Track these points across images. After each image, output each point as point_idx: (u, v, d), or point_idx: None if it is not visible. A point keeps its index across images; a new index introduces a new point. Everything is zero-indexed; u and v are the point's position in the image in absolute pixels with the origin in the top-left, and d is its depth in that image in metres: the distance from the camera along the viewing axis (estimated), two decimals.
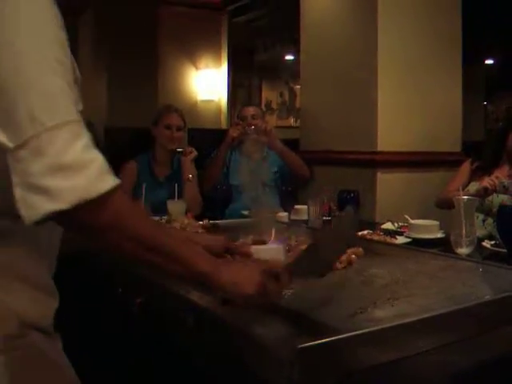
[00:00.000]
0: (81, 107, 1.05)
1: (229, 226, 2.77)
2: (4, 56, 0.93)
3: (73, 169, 0.92)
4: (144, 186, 2.90)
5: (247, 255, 1.54)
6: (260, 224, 2.70)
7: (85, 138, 0.96)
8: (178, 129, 3.53)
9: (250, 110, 3.92)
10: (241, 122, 3.83)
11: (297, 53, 6.64)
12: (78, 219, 0.96)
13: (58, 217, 0.93)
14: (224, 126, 7.01)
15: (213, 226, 2.66)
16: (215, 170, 3.72)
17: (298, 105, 8.38)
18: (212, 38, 7.15)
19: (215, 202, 3.64)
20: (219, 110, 7.11)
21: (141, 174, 3.49)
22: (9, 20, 0.94)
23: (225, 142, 3.76)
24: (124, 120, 5.29)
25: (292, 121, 8.31)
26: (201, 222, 2.67)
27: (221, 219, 3.02)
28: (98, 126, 5.71)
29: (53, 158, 0.91)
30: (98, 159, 0.96)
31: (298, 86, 8.24)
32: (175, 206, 2.93)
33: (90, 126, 1.06)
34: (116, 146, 3.81)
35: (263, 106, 7.57)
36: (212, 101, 7.06)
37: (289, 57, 7.92)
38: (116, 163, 3.32)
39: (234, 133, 3.75)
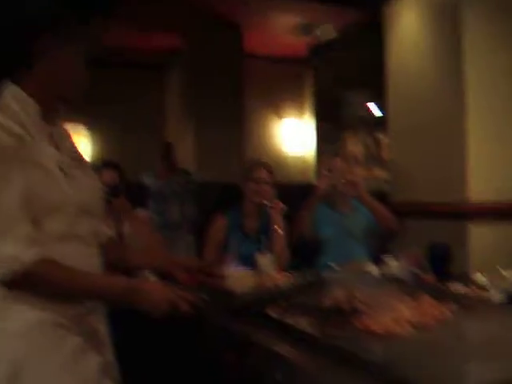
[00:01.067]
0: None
1: (316, 280, 2.76)
2: None
3: None
4: (234, 239, 2.94)
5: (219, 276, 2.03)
6: (349, 277, 2.69)
7: (7, 237, 1.40)
8: (267, 183, 3.56)
9: (338, 163, 3.92)
10: (329, 175, 3.82)
11: (382, 104, 6.65)
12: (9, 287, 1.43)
13: None
14: (311, 178, 7.04)
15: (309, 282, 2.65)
16: (303, 223, 3.71)
17: (383, 156, 8.32)
18: (298, 91, 7.26)
19: (303, 256, 3.63)
20: (306, 162, 7.15)
21: (230, 227, 3.52)
22: None
23: (313, 195, 3.76)
24: (212, 173, 5.39)
25: (378, 172, 8.22)
26: (290, 276, 2.67)
27: (310, 273, 3.00)
28: None
29: None
30: (10, 252, 1.40)
31: (384, 137, 8.25)
32: (264, 260, 2.95)
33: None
34: (206, 199, 3.87)
35: (349, 157, 7.53)
36: (299, 153, 7.12)
37: (374, 109, 7.89)
38: (206, 216, 3.41)
39: (322, 185, 3.75)
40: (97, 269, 1.65)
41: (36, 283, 1.45)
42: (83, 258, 1.58)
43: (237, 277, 2.51)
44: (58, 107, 1.66)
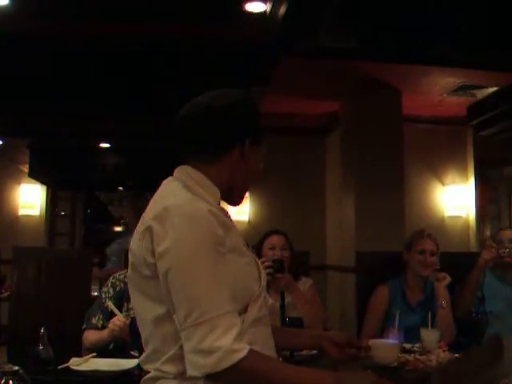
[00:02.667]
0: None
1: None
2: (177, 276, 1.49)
3: (206, 352, 1.43)
4: (398, 312, 2.88)
5: (365, 349, 2.08)
6: None
7: (218, 329, 1.44)
8: (432, 254, 3.48)
9: (508, 234, 3.75)
10: (494, 245, 3.67)
11: None
12: (214, 379, 1.45)
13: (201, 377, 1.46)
14: (472, 242, 6.78)
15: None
16: (468, 295, 3.57)
17: None
18: (457, 153, 7.08)
19: (469, 330, 3.48)
20: (467, 226, 6.91)
21: (392, 299, 3.46)
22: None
23: (477, 265, 3.60)
24: (373, 241, 5.33)
25: None
26: (457, 355, 2.56)
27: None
28: (348, 247, 5.85)
29: (195, 344, 1.44)
30: (224, 346, 1.43)
31: None
32: (429, 335, 2.85)
33: None
34: (367, 268, 3.83)
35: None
36: (460, 217, 6.91)
37: None
38: (368, 284, 3.38)
39: (487, 256, 3.59)
40: (274, 351, 1.72)
41: (246, 376, 1.47)
42: (267, 341, 1.66)
43: (381, 349, 2.45)
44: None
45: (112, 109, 5.46)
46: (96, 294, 4.80)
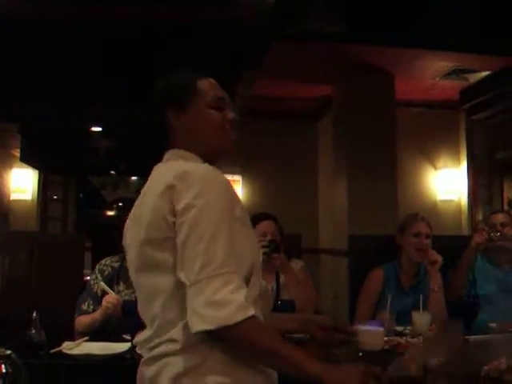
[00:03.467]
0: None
1: (478, 342, 2.64)
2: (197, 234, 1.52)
3: (220, 304, 1.45)
4: (390, 295, 2.89)
5: (352, 334, 2.06)
6: (507, 340, 2.55)
7: (232, 285, 1.48)
8: (427, 237, 3.49)
9: (500, 217, 3.76)
10: (486, 228, 3.68)
11: None
12: (222, 336, 1.47)
13: (208, 333, 1.46)
14: (464, 226, 6.80)
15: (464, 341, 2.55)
16: (460, 278, 3.58)
17: None
18: (450, 137, 7.08)
19: (461, 313, 3.49)
20: (459, 210, 6.92)
21: (387, 282, 3.48)
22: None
23: (469, 249, 3.62)
24: (366, 224, 5.34)
25: None
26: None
27: (465, 332, 2.87)
28: (341, 231, 5.85)
29: (208, 296, 1.46)
30: (238, 299, 1.47)
31: None
32: (420, 318, 2.88)
33: None
34: (360, 252, 3.84)
35: (505, 206, 7.22)
36: (452, 201, 6.92)
37: None
38: (361, 267, 3.40)
39: (478, 239, 3.60)
40: None
41: (251, 336, 1.50)
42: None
43: (366, 335, 2.46)
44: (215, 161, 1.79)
45: (103, 92, 5.43)
46: (88, 278, 4.81)
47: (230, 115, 1.80)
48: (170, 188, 1.56)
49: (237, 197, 1.69)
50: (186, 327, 1.52)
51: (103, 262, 3.39)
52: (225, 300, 1.45)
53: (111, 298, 3.08)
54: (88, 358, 2.61)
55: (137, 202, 1.74)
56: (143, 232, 1.61)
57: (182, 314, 1.53)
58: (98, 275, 3.31)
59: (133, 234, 1.69)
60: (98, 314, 3.12)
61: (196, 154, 1.75)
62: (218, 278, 1.46)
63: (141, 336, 1.69)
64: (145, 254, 1.62)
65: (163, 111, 1.77)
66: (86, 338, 2.91)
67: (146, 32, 4.66)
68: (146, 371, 1.63)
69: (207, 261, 1.48)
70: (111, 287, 3.21)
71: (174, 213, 1.54)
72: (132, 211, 1.75)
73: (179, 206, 1.53)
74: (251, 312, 1.48)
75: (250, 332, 1.48)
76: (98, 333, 3.05)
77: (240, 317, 1.45)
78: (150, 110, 1.83)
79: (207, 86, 1.80)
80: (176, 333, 1.55)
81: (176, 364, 1.54)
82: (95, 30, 4.69)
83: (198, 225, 1.51)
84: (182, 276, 1.51)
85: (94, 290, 3.28)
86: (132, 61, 5.00)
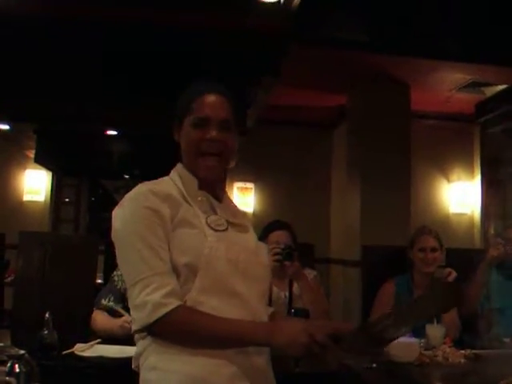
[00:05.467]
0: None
1: (489, 357, 2.62)
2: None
3: (139, 307, 1.63)
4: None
5: None
6: None
7: (149, 288, 1.62)
8: (433, 250, 3.48)
9: None
10: (501, 241, 3.66)
11: None
12: (152, 333, 1.66)
13: (142, 331, 1.67)
14: (477, 240, 6.77)
15: (475, 356, 2.54)
16: (474, 292, 3.56)
17: None
18: (464, 150, 7.08)
19: (475, 326, 3.47)
20: (472, 223, 6.91)
21: (399, 295, 3.46)
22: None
23: (484, 262, 3.60)
24: (378, 237, 5.32)
25: None
26: (463, 352, 2.56)
27: (480, 347, 2.86)
28: (353, 242, 5.83)
29: (132, 301, 1.67)
30: (152, 300, 1.60)
31: None
32: (434, 331, 2.86)
33: None
34: (372, 263, 3.83)
35: None
36: (465, 214, 6.90)
37: None
38: (373, 279, 3.38)
39: (494, 252, 3.59)
40: None
41: (176, 328, 1.63)
42: (223, 313, 1.67)
43: (401, 347, 2.44)
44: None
45: (120, 95, 5.45)
46: (100, 281, 4.80)
47: (211, 133, 1.81)
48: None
49: (179, 203, 1.76)
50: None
51: None
52: (142, 303, 1.62)
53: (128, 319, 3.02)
54: (100, 361, 2.61)
55: None
56: None
57: None
58: None
59: None
60: (116, 327, 3.05)
61: (190, 171, 1.87)
62: (137, 284, 1.64)
63: None
64: None
65: (173, 124, 1.90)
66: (99, 340, 2.90)
67: (167, 36, 4.67)
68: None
69: (129, 272, 1.69)
70: None
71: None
72: None
73: (112, 232, 1.76)
74: (171, 306, 1.61)
75: (177, 323, 1.62)
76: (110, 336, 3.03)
77: (157, 315, 1.60)
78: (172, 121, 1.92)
79: (199, 104, 1.83)
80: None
81: (137, 348, 1.76)
82: (115, 31, 4.71)
83: (118, 241, 1.73)
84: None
85: (118, 286, 3.24)
86: (151, 64, 5.01)
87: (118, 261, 1.74)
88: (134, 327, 1.67)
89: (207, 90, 1.85)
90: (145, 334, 1.69)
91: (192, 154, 1.83)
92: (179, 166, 1.88)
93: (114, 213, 1.76)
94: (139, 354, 1.74)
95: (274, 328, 1.63)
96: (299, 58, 5.02)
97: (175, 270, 1.68)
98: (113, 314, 3.12)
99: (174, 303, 1.61)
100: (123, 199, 1.77)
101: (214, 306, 1.66)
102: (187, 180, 1.84)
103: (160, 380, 1.66)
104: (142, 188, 1.77)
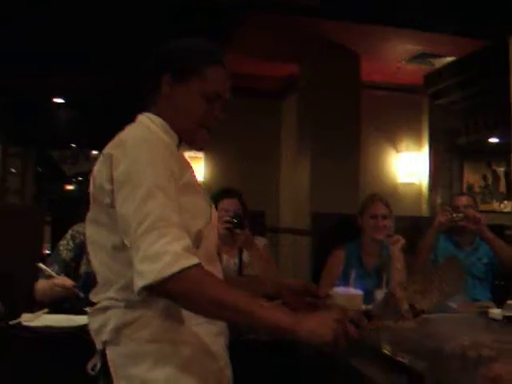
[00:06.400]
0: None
1: (437, 321, 2.67)
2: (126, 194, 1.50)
3: (153, 258, 1.40)
4: (354, 270, 2.90)
5: (325, 297, 1.95)
6: (472, 320, 2.58)
7: (168, 237, 1.42)
8: (384, 217, 3.52)
9: (463, 200, 3.84)
10: (449, 209, 3.74)
11: (501, 135, 6.42)
12: (162, 290, 1.42)
13: (149, 290, 1.41)
14: (424, 209, 6.88)
15: (425, 320, 2.57)
16: (423, 257, 3.63)
17: (501, 188, 8.05)
18: (412, 121, 7.14)
19: None
20: (420, 192, 7.01)
21: (349, 261, 3.49)
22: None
23: (432, 227, 3.68)
24: (328, 204, 5.36)
25: (495, 205, 7.97)
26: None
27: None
28: (303, 209, 5.87)
29: (143, 252, 1.41)
30: (173, 250, 1.40)
31: (502, 169, 7.99)
32: (382, 295, 2.89)
33: None
34: (323, 230, 3.86)
35: (465, 189, 7.35)
36: (413, 184, 6.99)
37: (492, 139, 7.66)
38: (323, 246, 3.40)
39: (442, 218, 3.67)
40: None
41: (192, 287, 1.42)
42: None
43: (344, 298, 2.47)
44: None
45: (67, 62, 5.31)
46: (47, 251, 4.72)
47: (217, 113, 1.75)
48: (108, 157, 1.56)
49: (184, 164, 1.70)
50: (122, 288, 1.56)
51: (76, 227, 3.28)
52: (159, 252, 1.40)
53: (64, 281, 2.97)
54: (48, 330, 2.57)
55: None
56: (92, 189, 1.65)
57: (119, 276, 1.57)
58: (70, 242, 3.23)
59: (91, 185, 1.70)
60: (53, 288, 3.00)
61: (170, 123, 1.72)
62: (153, 231, 1.42)
63: (94, 288, 1.70)
64: (93, 209, 1.66)
65: (161, 72, 1.71)
66: (46, 310, 2.85)
67: (120, 5, 4.55)
68: (91, 323, 1.65)
69: (142, 218, 1.44)
70: (81, 256, 3.15)
71: (111, 180, 1.54)
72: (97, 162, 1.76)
73: (116, 171, 1.53)
74: (192, 261, 1.42)
75: (194, 282, 1.42)
76: (57, 306, 2.99)
77: (176, 267, 1.39)
78: (147, 64, 1.76)
79: (214, 75, 1.74)
80: (115, 292, 1.58)
81: (117, 317, 1.56)
82: None
83: (135, 188, 1.48)
84: (126, 240, 1.49)
85: (62, 255, 3.19)
86: (99, 30, 4.89)
87: (123, 206, 1.50)
88: (142, 282, 1.40)
89: (221, 61, 1.76)
90: (136, 299, 1.49)
91: (192, 123, 1.72)
92: (157, 118, 1.72)
93: (118, 152, 1.55)
94: (119, 327, 1.55)
95: (301, 317, 1.46)
96: (250, 24, 4.97)
97: None
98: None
99: (195, 258, 1.43)
100: (126, 138, 1.61)
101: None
102: (171, 137, 1.72)
103: (167, 354, 1.54)
104: (153, 135, 1.65)
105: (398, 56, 5.95)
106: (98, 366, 1.61)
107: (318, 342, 1.41)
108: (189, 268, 1.40)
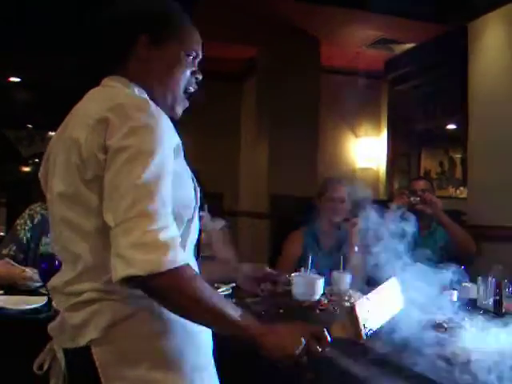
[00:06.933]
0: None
1: None
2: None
3: (151, 247, 1.22)
4: (310, 256, 2.92)
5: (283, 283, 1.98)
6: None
7: (167, 228, 1.26)
8: (342, 201, 3.54)
9: (421, 184, 3.88)
10: (406, 192, 3.78)
11: (458, 121, 6.51)
12: (148, 284, 1.24)
13: (133, 280, 1.23)
14: (382, 194, 6.95)
15: None
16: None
17: (457, 175, 8.17)
18: (372, 106, 7.19)
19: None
20: (377, 178, 7.08)
21: (307, 243, 3.52)
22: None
23: (388, 212, 3.71)
24: (286, 186, 5.38)
25: (451, 191, 8.09)
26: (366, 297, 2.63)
27: None
28: (261, 192, 5.87)
29: (137, 237, 1.22)
30: (172, 244, 1.25)
31: (459, 156, 8.11)
32: (341, 277, 2.92)
33: None
34: (281, 212, 3.87)
35: (422, 175, 7.44)
36: (371, 169, 7.06)
37: (450, 126, 7.77)
38: (282, 229, 3.41)
39: (398, 201, 3.70)
40: None
41: (175, 288, 1.27)
42: None
43: (304, 283, 2.48)
44: None
45: (24, 40, 5.19)
46: (2, 234, 4.64)
47: (198, 75, 1.63)
48: (103, 121, 1.33)
49: (174, 134, 1.45)
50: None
51: (33, 207, 3.21)
52: (157, 242, 1.23)
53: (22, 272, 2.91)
54: (2, 312, 2.52)
55: (59, 135, 1.50)
56: (71, 167, 1.39)
57: (110, 265, 1.29)
58: (28, 221, 3.16)
59: (58, 169, 1.45)
60: (17, 277, 2.93)
61: (142, 89, 1.53)
62: (150, 216, 1.24)
63: (59, 277, 1.47)
64: (69, 184, 1.40)
65: (133, 34, 1.52)
66: (1, 291, 2.80)
67: None
68: (69, 318, 1.42)
69: (139, 196, 1.25)
70: (39, 236, 3.11)
71: (105, 149, 1.31)
72: (53, 144, 1.54)
73: (111, 142, 1.30)
74: (181, 260, 1.27)
75: (183, 281, 1.28)
76: (12, 287, 2.93)
77: (171, 264, 1.23)
78: (114, 26, 1.55)
79: (192, 34, 1.61)
80: (105, 283, 1.36)
81: (110, 312, 1.37)
82: None
83: (137, 157, 1.28)
84: (109, 217, 1.28)
85: (20, 235, 3.12)
86: (58, 9, 4.78)
87: (118, 175, 1.28)
88: (130, 271, 1.22)
89: (193, 27, 1.63)
90: (131, 292, 1.32)
91: (175, 89, 1.57)
92: (131, 84, 1.51)
93: (114, 115, 1.32)
94: (112, 323, 1.36)
95: (269, 328, 1.39)
96: (208, 5, 4.93)
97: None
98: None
99: (187, 256, 1.32)
100: (126, 105, 1.36)
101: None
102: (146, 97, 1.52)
103: (166, 353, 1.39)
104: (158, 110, 1.39)
105: (358, 41, 5.99)
106: (47, 364, 1.49)
107: (279, 355, 1.36)
108: (183, 266, 1.27)
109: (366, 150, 7.04)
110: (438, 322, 2.19)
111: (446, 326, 2.15)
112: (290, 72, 5.85)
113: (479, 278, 2.94)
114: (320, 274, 2.93)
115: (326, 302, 2.63)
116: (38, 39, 5.16)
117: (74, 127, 1.41)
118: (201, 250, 3.18)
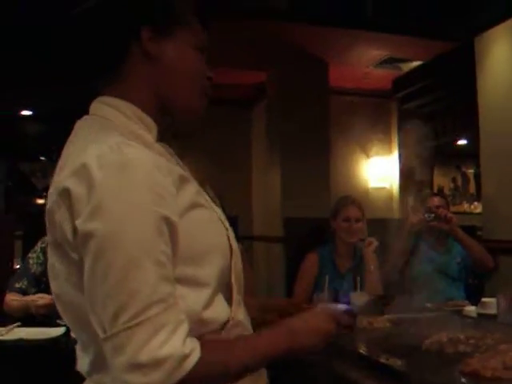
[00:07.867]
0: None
1: (412, 320, 2.68)
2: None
3: (148, 367, 0.99)
4: (327, 278, 2.91)
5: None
6: (447, 318, 2.59)
7: (163, 333, 1.01)
8: (357, 220, 3.53)
9: (435, 201, 3.87)
10: (421, 209, 3.76)
11: (469, 137, 6.51)
12: None
13: None
14: (396, 213, 6.92)
15: (399, 320, 2.59)
16: (394, 258, 3.64)
17: (471, 190, 8.15)
18: (382, 126, 7.19)
19: (397, 293, 3.55)
20: (391, 197, 7.05)
21: (322, 265, 3.50)
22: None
23: (405, 228, 3.70)
24: (299, 209, 5.36)
25: (466, 206, 8.06)
26: (387, 316, 2.61)
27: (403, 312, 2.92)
28: (275, 215, 5.86)
29: (130, 357, 0.99)
30: (173, 354, 1.01)
31: (471, 171, 8.09)
32: (358, 298, 2.90)
33: None
34: (295, 236, 3.86)
35: (435, 191, 7.42)
36: (384, 188, 7.04)
37: (461, 141, 7.76)
38: (296, 252, 3.39)
39: (413, 219, 3.70)
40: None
41: (201, 379, 1.07)
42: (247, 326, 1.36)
43: None
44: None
45: (34, 74, 5.26)
46: (18, 267, 4.65)
47: (211, 73, 1.36)
48: (65, 195, 1.05)
49: (182, 176, 1.20)
50: None
51: (46, 239, 3.22)
52: (155, 359, 0.99)
53: (43, 298, 2.91)
54: (20, 344, 2.52)
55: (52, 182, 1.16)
56: (53, 232, 1.13)
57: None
58: (40, 255, 3.14)
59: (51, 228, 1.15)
60: (31, 304, 2.94)
61: (148, 103, 1.23)
62: (142, 325, 1.00)
63: (85, 362, 1.21)
64: (60, 260, 1.14)
65: (133, 28, 1.20)
66: (18, 323, 2.80)
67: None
68: None
69: (124, 302, 1.00)
70: None
71: (74, 231, 1.05)
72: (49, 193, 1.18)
73: (78, 223, 1.03)
74: (195, 355, 1.05)
75: (200, 375, 1.05)
76: (29, 319, 2.93)
77: (177, 376, 1.01)
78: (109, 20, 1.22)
79: (198, 23, 1.30)
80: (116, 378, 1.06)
81: None
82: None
83: (108, 252, 1.01)
84: (93, 321, 1.05)
85: (32, 270, 3.12)
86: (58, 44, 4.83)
87: (92, 280, 1.03)
88: None
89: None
90: None
91: (192, 87, 1.29)
92: (125, 104, 1.20)
93: (78, 185, 1.03)
94: None
95: (290, 324, 1.29)
96: (217, 33, 4.96)
97: (193, 284, 1.14)
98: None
99: (196, 347, 1.06)
100: (87, 160, 1.04)
101: (241, 319, 1.27)
102: (148, 128, 1.23)
103: None
104: (129, 149, 1.07)
105: (366, 61, 6.00)
106: None
107: (317, 340, 1.28)
108: (195, 364, 1.04)
109: (378, 169, 7.03)
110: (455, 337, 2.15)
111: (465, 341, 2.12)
112: (299, 95, 5.86)
113: (499, 292, 2.91)
114: (336, 294, 2.92)
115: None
116: (47, 74, 5.22)
117: (51, 194, 1.13)
118: None
